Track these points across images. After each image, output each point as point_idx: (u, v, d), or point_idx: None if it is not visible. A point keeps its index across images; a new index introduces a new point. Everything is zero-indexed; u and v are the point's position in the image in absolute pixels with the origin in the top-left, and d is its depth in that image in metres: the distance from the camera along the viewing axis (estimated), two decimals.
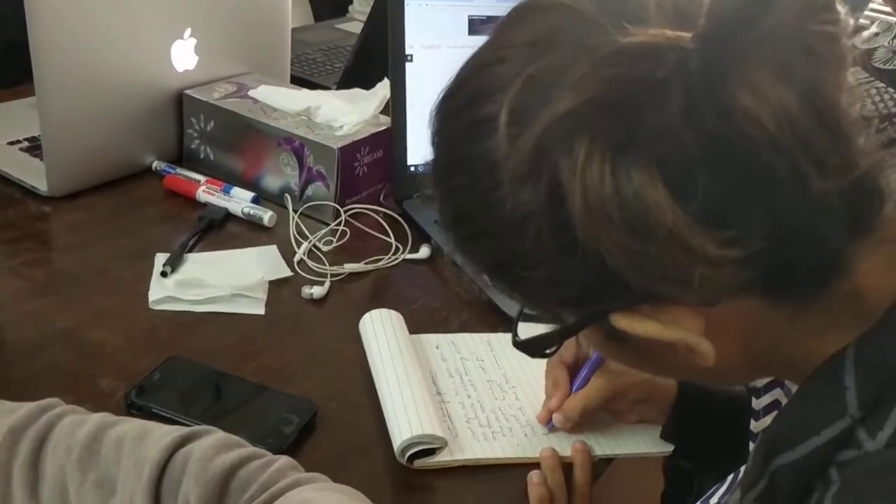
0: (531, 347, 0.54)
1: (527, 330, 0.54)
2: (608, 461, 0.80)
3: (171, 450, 0.56)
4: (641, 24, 0.43)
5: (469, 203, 0.48)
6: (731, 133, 0.41)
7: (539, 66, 0.44)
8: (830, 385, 0.47)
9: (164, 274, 0.92)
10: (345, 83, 1.37)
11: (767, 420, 0.60)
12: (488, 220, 0.47)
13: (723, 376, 0.56)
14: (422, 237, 1.05)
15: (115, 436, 0.58)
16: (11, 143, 1.14)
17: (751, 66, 0.41)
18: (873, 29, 1.67)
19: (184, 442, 0.57)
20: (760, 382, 0.61)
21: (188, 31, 1.12)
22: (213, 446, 0.57)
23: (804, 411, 0.49)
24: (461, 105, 0.48)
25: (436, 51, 1.08)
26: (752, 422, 0.64)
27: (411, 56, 1.07)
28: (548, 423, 0.79)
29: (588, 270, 0.44)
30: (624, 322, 0.47)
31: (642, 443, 0.79)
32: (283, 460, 0.58)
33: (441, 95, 0.50)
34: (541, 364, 0.84)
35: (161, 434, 0.58)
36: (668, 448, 0.79)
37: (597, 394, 0.78)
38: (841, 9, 0.44)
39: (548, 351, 0.54)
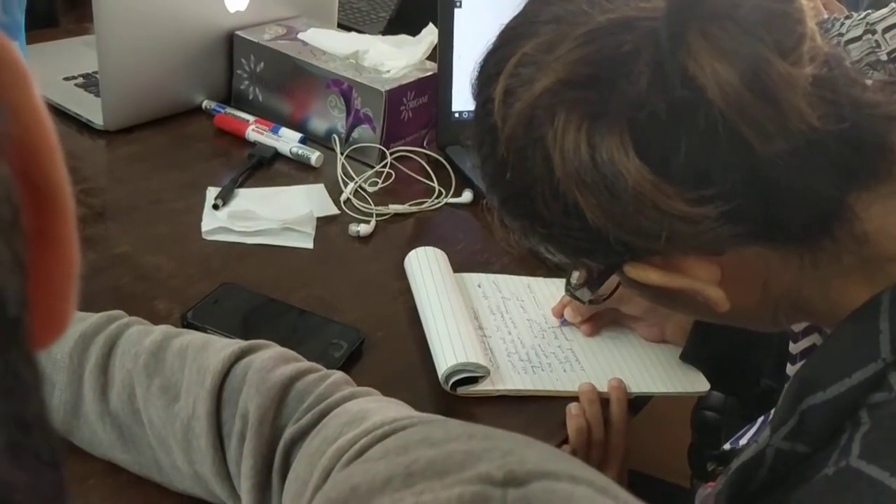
0: (577, 295, 0.59)
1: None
2: (644, 401, 0.82)
3: (233, 360, 0.59)
4: None
5: (493, 170, 0.53)
6: (692, 100, 0.44)
7: (532, 44, 0.49)
8: (864, 329, 0.49)
9: (216, 206, 0.95)
10: (389, 32, 1.39)
11: None
12: (508, 186, 0.52)
13: (750, 320, 0.59)
14: (464, 182, 1.07)
15: (180, 345, 0.61)
16: (67, 79, 1.17)
17: (698, 39, 0.44)
18: None
19: (244, 354, 0.60)
20: (798, 327, 0.63)
21: None
22: (272, 358, 0.60)
23: (837, 353, 0.50)
24: (481, 83, 0.54)
25: None
26: (789, 365, 0.66)
27: (460, 2, 1.08)
28: (561, 317, 0.85)
29: (586, 228, 0.49)
30: (633, 272, 0.51)
31: (678, 382, 0.81)
32: (338, 375, 0.60)
33: (475, 68, 0.55)
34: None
35: (222, 345, 0.61)
36: (702, 389, 0.81)
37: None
38: None
39: (591, 298, 0.57)
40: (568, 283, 0.59)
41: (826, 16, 1.43)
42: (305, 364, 0.61)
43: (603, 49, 0.46)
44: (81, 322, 0.62)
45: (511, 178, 0.51)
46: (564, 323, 0.86)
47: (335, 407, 0.56)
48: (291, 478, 0.52)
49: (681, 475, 1.27)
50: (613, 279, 0.56)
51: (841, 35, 1.65)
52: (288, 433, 0.55)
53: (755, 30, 0.44)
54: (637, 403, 0.82)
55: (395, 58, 1.11)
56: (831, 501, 0.46)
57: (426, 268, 0.86)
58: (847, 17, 1.58)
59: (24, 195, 0.19)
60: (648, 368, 0.82)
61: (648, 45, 0.45)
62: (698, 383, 0.82)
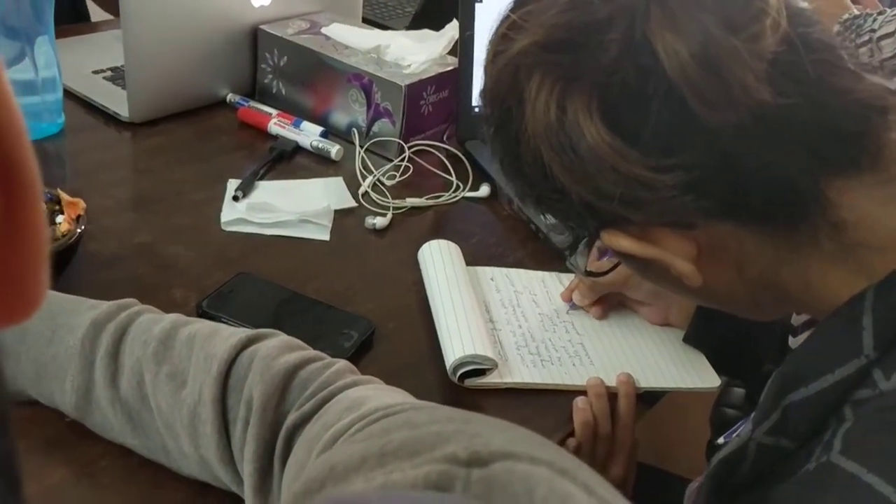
0: (574, 264, 0.61)
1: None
2: (657, 397, 0.82)
3: (239, 348, 0.60)
4: None
5: (489, 132, 0.56)
6: (652, 69, 0.46)
7: (525, 10, 0.52)
8: (847, 325, 0.49)
9: (235, 198, 0.96)
10: (414, 27, 1.40)
11: None
12: (498, 146, 0.55)
13: (731, 303, 0.59)
14: (482, 176, 1.08)
15: (188, 333, 0.62)
16: (96, 72, 1.20)
17: (657, 10, 0.46)
18: None
19: (250, 342, 0.61)
20: (797, 321, 0.62)
21: None
22: (277, 346, 0.61)
23: (819, 349, 0.51)
24: (486, 48, 0.57)
25: None
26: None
27: None
28: (569, 300, 0.86)
29: (559, 190, 0.51)
30: (607, 237, 0.53)
31: (688, 378, 0.81)
32: (342, 363, 0.61)
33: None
34: None
35: (229, 334, 0.62)
36: (712, 384, 0.81)
37: (608, 275, 0.82)
38: None
39: (589, 269, 0.58)
40: (568, 252, 0.60)
41: (857, 12, 1.41)
42: (310, 353, 0.62)
43: (581, 16, 0.49)
44: (93, 309, 0.64)
45: (499, 138, 0.53)
46: (573, 307, 0.86)
47: (337, 394, 0.57)
48: (291, 462, 0.54)
49: (702, 473, 1.26)
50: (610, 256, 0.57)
51: (873, 31, 1.62)
52: (290, 419, 0.56)
53: (708, 4, 0.46)
54: (650, 399, 0.82)
55: (415, 53, 1.12)
56: (808, 496, 0.46)
57: (438, 260, 0.87)
58: (880, 13, 1.55)
59: None
60: (658, 364, 0.82)
61: (622, 15, 0.47)
62: (708, 379, 0.81)
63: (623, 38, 0.47)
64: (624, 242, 0.52)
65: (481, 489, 0.30)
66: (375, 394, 0.56)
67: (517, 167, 0.54)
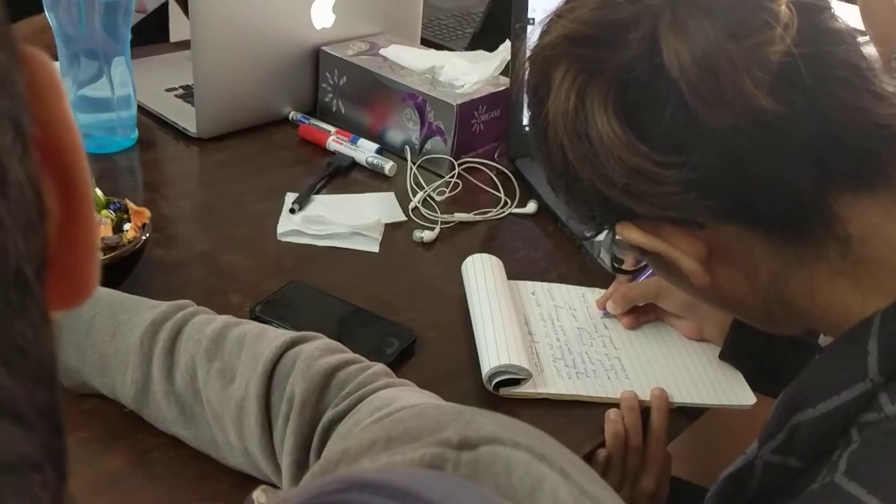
0: (602, 259, 0.63)
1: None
2: (698, 412, 0.83)
3: (284, 349, 0.65)
4: None
5: (528, 122, 0.60)
6: (663, 68, 0.49)
7: (563, 8, 0.56)
8: (853, 349, 0.50)
9: (292, 210, 1.02)
10: (473, 48, 1.43)
11: None
12: (534, 136, 0.59)
13: (740, 308, 0.61)
14: (530, 193, 1.11)
15: (238, 333, 0.67)
16: (169, 90, 1.27)
17: (667, 14, 0.49)
18: None
19: (294, 343, 0.66)
20: (825, 342, 0.63)
21: None
22: (318, 348, 0.65)
23: (825, 372, 0.52)
24: None
25: None
26: None
27: (533, 20, 1.12)
28: (603, 309, 0.89)
29: (578, 178, 0.55)
30: (620, 229, 0.56)
31: (723, 395, 0.82)
32: (379, 366, 0.65)
33: None
34: None
35: (276, 335, 0.67)
36: (747, 402, 0.82)
37: (642, 284, 0.85)
38: None
39: (617, 265, 0.61)
40: (589, 243, 0.64)
41: None
42: (349, 355, 0.66)
43: (608, 14, 0.52)
44: (153, 309, 0.69)
45: (534, 128, 0.57)
46: (606, 314, 0.89)
47: (370, 395, 0.61)
48: (324, 456, 0.57)
49: None
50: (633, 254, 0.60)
51: None
52: (327, 416, 0.60)
53: (716, 12, 0.48)
54: (692, 414, 0.83)
55: (468, 73, 1.16)
56: None
57: (480, 273, 0.90)
58: None
59: (54, 186, 0.24)
60: (694, 379, 0.84)
61: (645, 16, 0.50)
62: (743, 396, 0.82)
63: (642, 37, 0.50)
64: (634, 234, 0.55)
65: (469, 470, 0.33)
66: (404, 395, 0.59)
67: (547, 155, 0.57)
